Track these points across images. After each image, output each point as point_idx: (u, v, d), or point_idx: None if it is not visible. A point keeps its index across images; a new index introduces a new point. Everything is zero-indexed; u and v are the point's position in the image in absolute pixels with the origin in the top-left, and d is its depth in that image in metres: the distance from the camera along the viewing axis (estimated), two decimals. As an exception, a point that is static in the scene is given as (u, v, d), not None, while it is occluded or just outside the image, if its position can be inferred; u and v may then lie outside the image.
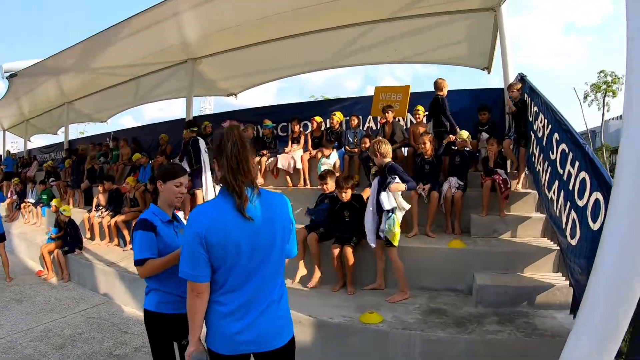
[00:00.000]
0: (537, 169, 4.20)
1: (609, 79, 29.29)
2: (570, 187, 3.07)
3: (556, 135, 3.48)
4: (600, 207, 2.57)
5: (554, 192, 3.54)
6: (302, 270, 4.29)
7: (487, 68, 7.05)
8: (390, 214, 3.69)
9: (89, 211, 7.55)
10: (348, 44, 7.13)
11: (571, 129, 3.21)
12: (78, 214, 7.58)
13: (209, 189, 5.85)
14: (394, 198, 3.72)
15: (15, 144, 22.05)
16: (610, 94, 29.59)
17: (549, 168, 3.66)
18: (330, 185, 4.49)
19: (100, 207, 7.40)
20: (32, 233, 8.48)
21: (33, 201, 9.90)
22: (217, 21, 6.09)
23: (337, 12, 5.92)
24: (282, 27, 6.53)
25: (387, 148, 3.84)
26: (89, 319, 4.50)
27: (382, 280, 4.05)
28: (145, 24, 5.67)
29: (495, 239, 4.36)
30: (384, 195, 3.68)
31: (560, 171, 3.31)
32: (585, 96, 30.75)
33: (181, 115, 8.74)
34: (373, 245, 3.88)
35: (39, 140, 17.94)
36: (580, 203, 2.88)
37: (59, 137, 15.07)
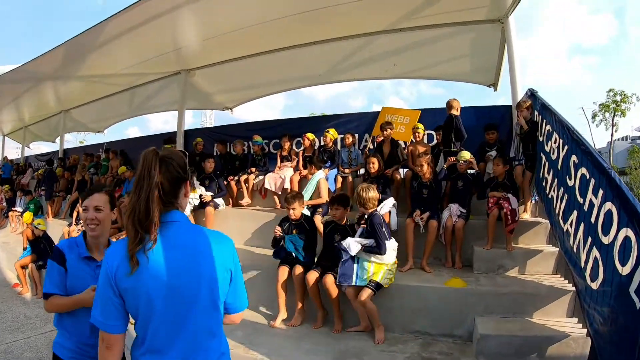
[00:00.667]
0: (549, 196, 3.69)
1: (618, 98, 28.75)
2: (592, 220, 2.64)
3: (574, 157, 3.01)
4: (631, 248, 2.17)
5: (570, 224, 3.10)
6: (282, 314, 3.81)
7: (494, 85, 6.67)
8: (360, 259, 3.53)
9: (70, 225, 7.27)
10: (346, 57, 6.80)
11: (592, 150, 2.75)
12: (59, 226, 7.36)
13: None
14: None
15: (19, 150, 22.08)
16: (619, 113, 29.00)
17: (565, 196, 3.19)
18: (298, 211, 4.04)
19: (80, 221, 7.08)
20: (14, 243, 8.22)
21: (21, 210, 9.69)
22: (210, 26, 5.79)
23: (335, 22, 5.61)
24: (278, 38, 6.25)
25: (372, 195, 3.61)
26: (52, 341, 4.14)
27: (368, 322, 3.52)
28: (135, 23, 5.30)
29: (501, 276, 3.83)
30: (351, 241, 3.50)
31: (580, 200, 2.85)
32: (594, 116, 30.24)
33: (186, 127, 8.54)
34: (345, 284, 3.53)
35: (43, 147, 17.87)
36: (605, 240, 2.48)
37: (57, 145, 15.02)
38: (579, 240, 2.87)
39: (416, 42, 6.06)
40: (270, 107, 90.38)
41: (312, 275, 3.63)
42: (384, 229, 3.52)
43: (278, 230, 4.02)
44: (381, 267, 3.48)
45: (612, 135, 30.23)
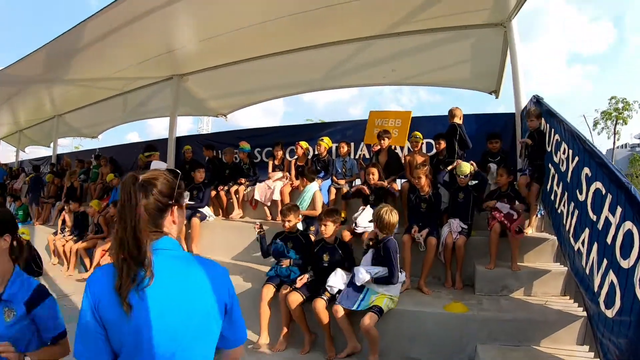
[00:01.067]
0: (558, 211, 3.40)
1: (620, 105, 28.51)
2: (609, 241, 2.36)
3: (586, 170, 2.73)
4: (656, 275, 1.90)
5: (582, 243, 2.82)
6: (264, 338, 3.50)
7: (495, 92, 6.41)
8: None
9: (55, 233, 7.03)
10: (342, 62, 6.58)
11: (608, 162, 2.46)
12: (45, 234, 7.18)
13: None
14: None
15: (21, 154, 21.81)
16: (621, 121, 28.74)
17: (576, 211, 2.91)
18: (293, 223, 3.80)
19: (65, 229, 6.90)
20: (-1, 251, 7.99)
21: (9, 217, 9.41)
22: (203, 28, 5.58)
23: (332, 25, 5.39)
24: (273, 42, 6.05)
25: (395, 220, 3.30)
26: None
27: (356, 341, 3.21)
28: (122, 22, 5.03)
29: (505, 298, 3.51)
30: (360, 270, 3.24)
31: (593, 217, 2.57)
32: (595, 124, 29.99)
33: (183, 133, 8.37)
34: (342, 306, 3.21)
35: (43, 151, 17.63)
36: (625, 264, 2.19)
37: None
38: (592, 262, 2.59)
39: (416, 47, 5.84)
40: (270, 113, 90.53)
41: (295, 297, 3.33)
42: (398, 256, 3.27)
43: (258, 225, 3.87)
44: (385, 296, 3.21)
45: (614, 143, 29.97)
